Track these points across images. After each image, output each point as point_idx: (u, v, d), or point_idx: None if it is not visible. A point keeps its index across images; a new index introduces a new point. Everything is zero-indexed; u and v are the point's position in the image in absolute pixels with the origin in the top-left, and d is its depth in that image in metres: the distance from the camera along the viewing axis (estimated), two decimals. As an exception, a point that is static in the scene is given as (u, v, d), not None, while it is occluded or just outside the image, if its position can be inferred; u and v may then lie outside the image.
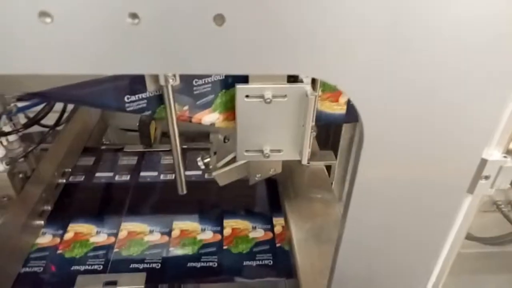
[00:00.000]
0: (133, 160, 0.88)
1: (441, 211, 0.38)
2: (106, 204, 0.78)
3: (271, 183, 0.81)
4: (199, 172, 0.82)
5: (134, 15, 0.22)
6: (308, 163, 0.57)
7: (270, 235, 0.70)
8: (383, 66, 0.28)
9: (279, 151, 0.53)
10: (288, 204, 0.74)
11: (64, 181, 0.80)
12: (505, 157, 0.35)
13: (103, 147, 0.93)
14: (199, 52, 0.25)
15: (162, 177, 0.83)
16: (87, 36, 0.23)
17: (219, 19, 0.23)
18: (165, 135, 1.04)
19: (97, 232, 0.70)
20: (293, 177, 0.79)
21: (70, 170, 0.83)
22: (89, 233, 0.69)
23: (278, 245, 0.68)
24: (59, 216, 0.72)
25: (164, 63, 0.24)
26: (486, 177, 0.35)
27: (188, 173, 0.79)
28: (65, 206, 0.75)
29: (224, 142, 0.61)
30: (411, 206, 0.37)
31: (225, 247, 0.67)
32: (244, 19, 0.24)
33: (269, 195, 0.79)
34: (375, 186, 0.35)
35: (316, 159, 0.79)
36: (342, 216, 0.38)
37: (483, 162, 0.34)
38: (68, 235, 0.69)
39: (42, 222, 0.69)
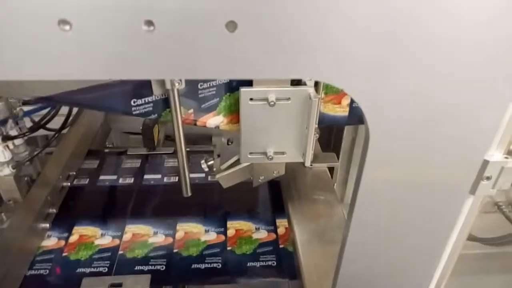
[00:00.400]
0: (136, 163, 0.88)
1: (444, 212, 0.38)
2: (110, 207, 0.78)
3: (274, 185, 0.81)
4: (203, 175, 0.83)
5: (149, 23, 0.23)
6: (310, 165, 0.58)
7: (273, 236, 0.71)
8: (386, 70, 0.29)
9: (282, 153, 0.53)
10: (292, 206, 0.74)
11: (69, 184, 0.80)
12: (506, 157, 0.35)
13: (107, 150, 0.94)
14: (211, 58, 0.25)
15: (165, 179, 0.84)
16: (104, 43, 0.24)
17: (231, 25, 0.24)
18: (168, 138, 1.04)
19: (102, 235, 0.70)
20: (296, 179, 0.79)
21: (74, 173, 0.83)
22: (94, 235, 0.70)
23: (281, 246, 0.69)
24: (64, 219, 0.73)
25: (178, 68, 0.25)
26: (488, 178, 0.36)
27: (191, 175, 0.79)
28: (70, 209, 0.76)
29: (228, 144, 0.62)
30: (415, 207, 0.38)
31: (229, 248, 0.68)
32: (255, 25, 0.24)
33: (272, 197, 0.80)
34: (380, 187, 0.35)
35: (318, 161, 0.80)
36: (347, 217, 0.38)
37: (485, 163, 0.35)
38: (73, 238, 0.69)
39: (47, 225, 0.70)
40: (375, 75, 0.28)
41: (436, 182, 0.36)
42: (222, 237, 0.70)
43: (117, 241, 0.69)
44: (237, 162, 0.59)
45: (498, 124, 0.33)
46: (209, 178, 0.83)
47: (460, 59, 0.29)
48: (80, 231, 0.71)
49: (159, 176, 0.85)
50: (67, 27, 0.23)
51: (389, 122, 0.31)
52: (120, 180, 0.83)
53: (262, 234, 0.71)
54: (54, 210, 0.73)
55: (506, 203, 0.99)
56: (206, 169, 0.63)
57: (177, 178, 0.83)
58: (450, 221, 0.39)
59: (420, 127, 0.32)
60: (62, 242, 0.69)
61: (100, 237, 0.70)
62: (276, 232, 0.71)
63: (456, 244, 0.41)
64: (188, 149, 0.54)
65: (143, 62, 0.25)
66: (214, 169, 0.62)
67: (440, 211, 0.38)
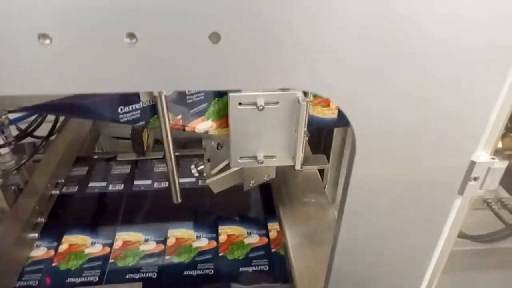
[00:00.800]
0: (126, 169, 0.88)
1: (432, 213, 0.39)
2: (100, 214, 0.77)
3: (265, 189, 0.81)
4: (193, 179, 0.82)
5: (131, 35, 0.23)
6: (301, 168, 0.58)
7: (265, 240, 0.70)
8: (372, 73, 0.29)
9: (272, 157, 0.53)
10: (283, 209, 0.74)
11: (58, 192, 0.79)
12: (493, 158, 0.36)
13: (96, 156, 0.93)
14: (195, 70, 0.25)
15: (156, 185, 0.83)
16: (86, 56, 0.24)
17: (215, 37, 0.24)
18: (158, 142, 1.03)
19: (92, 243, 0.69)
20: (287, 182, 0.79)
21: (63, 181, 0.82)
22: (84, 244, 0.69)
23: (273, 250, 0.68)
24: (53, 228, 0.72)
25: (162, 80, 0.25)
26: (475, 179, 0.36)
27: (181, 180, 0.79)
28: (59, 218, 0.75)
29: (218, 149, 0.62)
30: (404, 208, 0.38)
31: (220, 254, 0.67)
32: (239, 36, 0.24)
33: (263, 201, 0.80)
34: (369, 189, 0.35)
35: (309, 164, 0.80)
36: (337, 218, 0.39)
37: (472, 164, 0.35)
38: (63, 247, 0.68)
39: (36, 235, 0.69)
40: (361, 80, 0.28)
41: (424, 183, 0.36)
42: (214, 243, 0.69)
43: (107, 249, 0.68)
44: (228, 167, 0.58)
45: (485, 124, 0.33)
46: (200, 183, 0.82)
47: (446, 60, 0.29)
48: (70, 240, 0.70)
49: (149, 181, 0.84)
50: (47, 41, 0.23)
51: (375, 126, 0.31)
52: (110, 187, 0.82)
53: (254, 239, 0.70)
54: (43, 219, 0.72)
55: (495, 200, 1.00)
56: (196, 174, 0.62)
57: (167, 183, 0.83)
58: (439, 221, 0.40)
59: (407, 129, 0.32)
60: (52, 252, 0.67)
61: (90, 245, 0.69)
62: (268, 236, 0.71)
63: (446, 243, 0.42)
64: (177, 154, 0.54)
65: (126, 75, 0.24)
66: (204, 174, 0.62)
67: (429, 212, 0.39)
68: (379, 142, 0.32)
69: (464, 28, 0.27)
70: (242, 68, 0.25)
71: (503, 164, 0.36)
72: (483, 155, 0.35)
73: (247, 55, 0.25)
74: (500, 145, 0.63)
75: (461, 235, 0.91)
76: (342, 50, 0.27)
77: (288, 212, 0.73)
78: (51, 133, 0.75)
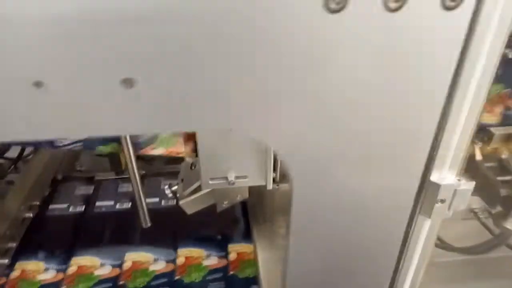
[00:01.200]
0: (89, 190, 0.85)
1: (391, 235, 0.38)
2: (57, 238, 0.73)
3: (227, 209, 0.78)
4: (156, 199, 0.80)
5: (38, 83, 0.22)
6: (277, 185, 0.57)
7: (224, 262, 0.68)
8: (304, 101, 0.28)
9: (244, 177, 0.52)
10: (257, 228, 0.72)
11: (31, 215, 0.77)
12: (458, 180, 0.35)
13: (60, 177, 0.89)
14: (109, 115, 0.24)
15: (118, 206, 0.80)
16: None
17: (128, 82, 0.22)
18: (138, 159, 1.01)
19: (46, 269, 0.66)
20: (262, 200, 0.77)
21: (38, 203, 0.80)
22: (37, 270, 0.66)
23: (231, 273, 0.66)
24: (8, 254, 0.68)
25: (73, 127, 0.23)
26: (442, 201, 0.35)
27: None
28: (22, 243, 0.71)
29: (191, 168, 0.60)
30: (359, 233, 0.37)
31: (177, 277, 0.65)
32: (154, 81, 0.23)
33: (225, 222, 0.77)
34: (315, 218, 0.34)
35: (284, 181, 0.78)
36: (286, 245, 0.38)
37: (436, 186, 0.34)
38: (15, 274, 0.65)
39: (6, 261, 0.66)
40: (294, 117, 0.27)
41: (384, 208, 0.35)
42: (171, 266, 0.67)
43: (60, 276, 0.65)
44: (200, 188, 0.57)
45: (448, 146, 0.33)
46: (163, 203, 0.80)
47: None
48: (24, 266, 0.66)
49: (111, 202, 0.81)
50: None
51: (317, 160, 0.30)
52: (71, 209, 0.79)
53: (212, 261, 0.68)
54: (14, 244, 0.69)
55: (482, 209, 1.00)
56: (170, 195, 0.61)
57: (130, 204, 0.80)
58: (400, 243, 0.39)
59: (353, 154, 0.31)
60: (4, 279, 0.64)
61: (43, 272, 0.65)
62: (227, 258, 0.69)
63: (419, 263, 0.41)
64: (143, 172, 0.52)
65: (39, 122, 0.23)
66: (178, 195, 0.60)
67: (395, 234, 0.38)
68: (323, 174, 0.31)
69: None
70: (162, 111, 0.23)
71: (470, 185, 0.35)
72: (448, 177, 0.35)
73: (167, 98, 0.24)
74: (479, 157, 0.62)
75: (448, 248, 0.90)
76: (261, 88, 0.26)
77: (262, 232, 0.71)
78: (20, 155, 0.74)
